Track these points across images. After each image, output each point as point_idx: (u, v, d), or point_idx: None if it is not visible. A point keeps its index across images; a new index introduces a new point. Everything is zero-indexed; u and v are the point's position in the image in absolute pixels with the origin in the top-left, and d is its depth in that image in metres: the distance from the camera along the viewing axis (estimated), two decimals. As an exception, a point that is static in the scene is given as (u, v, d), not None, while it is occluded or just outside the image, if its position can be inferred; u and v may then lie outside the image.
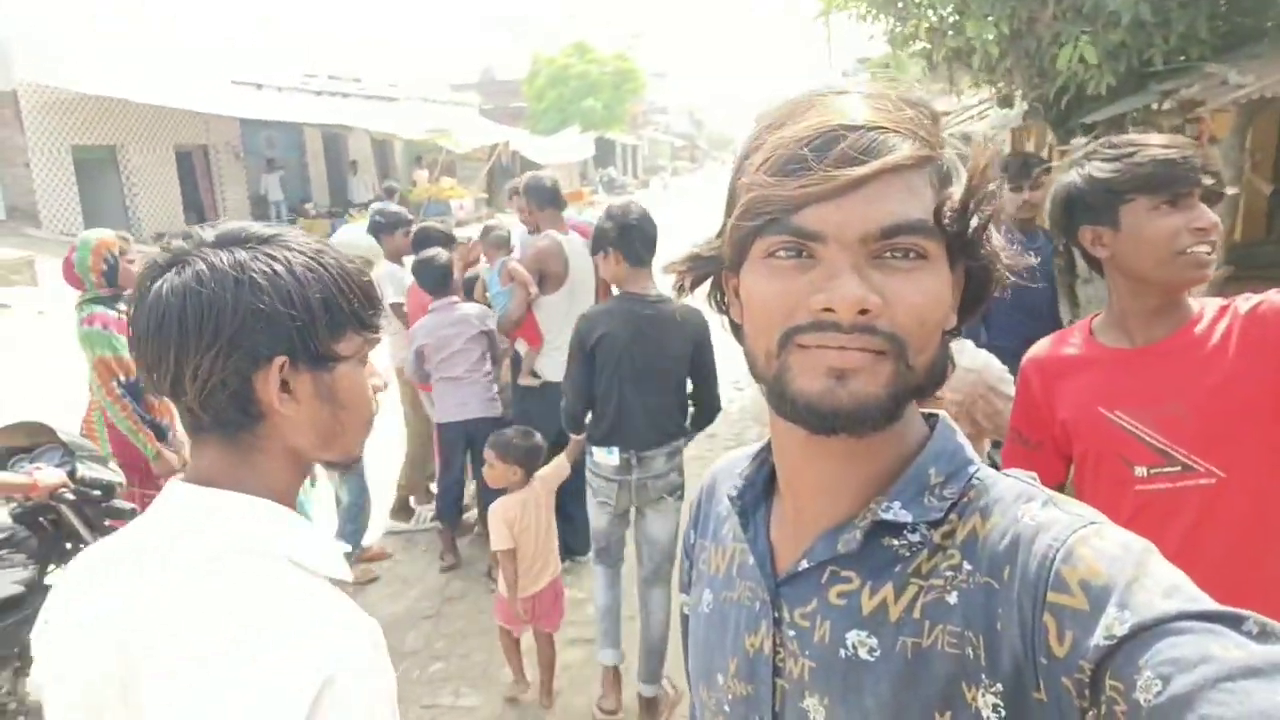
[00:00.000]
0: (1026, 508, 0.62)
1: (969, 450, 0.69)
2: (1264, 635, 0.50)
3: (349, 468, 0.82)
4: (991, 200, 0.64)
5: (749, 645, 0.72)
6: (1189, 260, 1.36)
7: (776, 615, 0.70)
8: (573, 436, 3.15)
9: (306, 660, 0.75)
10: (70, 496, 2.70)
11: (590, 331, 2.85)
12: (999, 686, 0.58)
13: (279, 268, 0.86)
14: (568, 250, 3.99)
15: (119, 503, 2.88)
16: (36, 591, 2.68)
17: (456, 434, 4.14)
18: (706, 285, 0.76)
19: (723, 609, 0.77)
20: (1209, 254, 1.36)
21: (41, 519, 2.71)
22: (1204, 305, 1.44)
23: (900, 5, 6.17)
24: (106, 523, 2.90)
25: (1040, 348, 1.60)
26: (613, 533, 3.07)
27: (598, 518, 3.05)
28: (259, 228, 0.91)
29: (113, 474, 2.89)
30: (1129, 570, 0.55)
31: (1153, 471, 1.41)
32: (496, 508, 3.05)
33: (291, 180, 19.50)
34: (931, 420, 0.71)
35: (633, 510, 3.02)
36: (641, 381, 2.84)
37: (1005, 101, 6.53)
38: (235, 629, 0.77)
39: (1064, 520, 0.60)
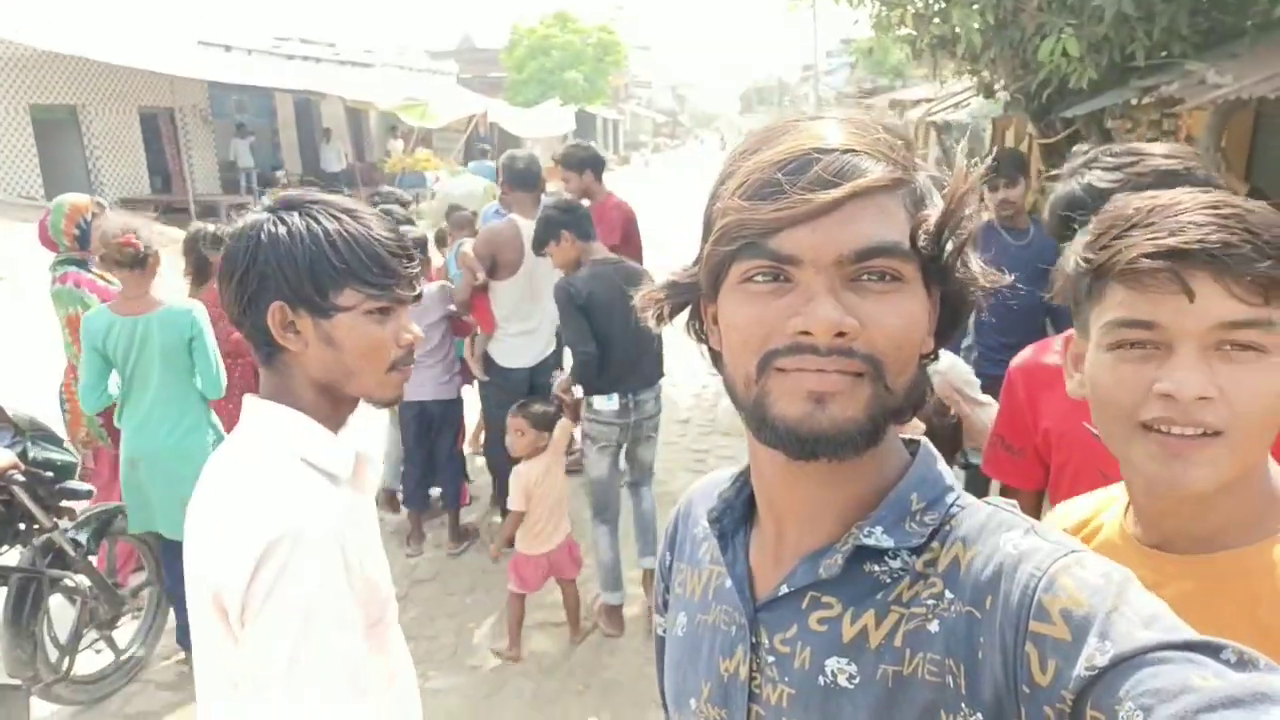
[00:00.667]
0: (1008, 536, 0.63)
1: (949, 478, 0.70)
2: (1242, 664, 0.51)
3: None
4: (968, 225, 0.64)
5: (724, 669, 0.72)
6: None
7: (754, 640, 0.70)
8: (567, 395, 3.50)
9: (261, 525, 1.00)
10: (20, 478, 2.66)
11: (579, 293, 3.21)
12: (978, 715, 0.59)
13: (283, 231, 1.08)
14: (524, 236, 3.87)
15: (73, 483, 2.86)
16: None
17: (411, 414, 4.14)
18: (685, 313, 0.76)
19: (697, 632, 0.77)
20: None
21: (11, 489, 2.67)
22: None
23: (884, -9, 6.09)
24: (62, 503, 2.87)
25: (1027, 355, 1.60)
26: (610, 486, 3.47)
27: (598, 465, 3.42)
28: (306, 195, 1.14)
29: (67, 454, 2.86)
30: (1109, 599, 0.55)
31: None
32: (521, 471, 3.30)
33: (262, 147, 19.03)
34: (913, 447, 0.72)
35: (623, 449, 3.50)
36: (628, 333, 3.17)
37: (987, 91, 6.47)
38: (226, 499, 1.06)
39: (1045, 549, 0.60)
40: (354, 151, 21.06)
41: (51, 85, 14.54)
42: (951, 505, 0.67)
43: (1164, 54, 4.78)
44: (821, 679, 0.65)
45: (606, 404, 3.32)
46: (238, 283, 1.10)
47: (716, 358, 0.71)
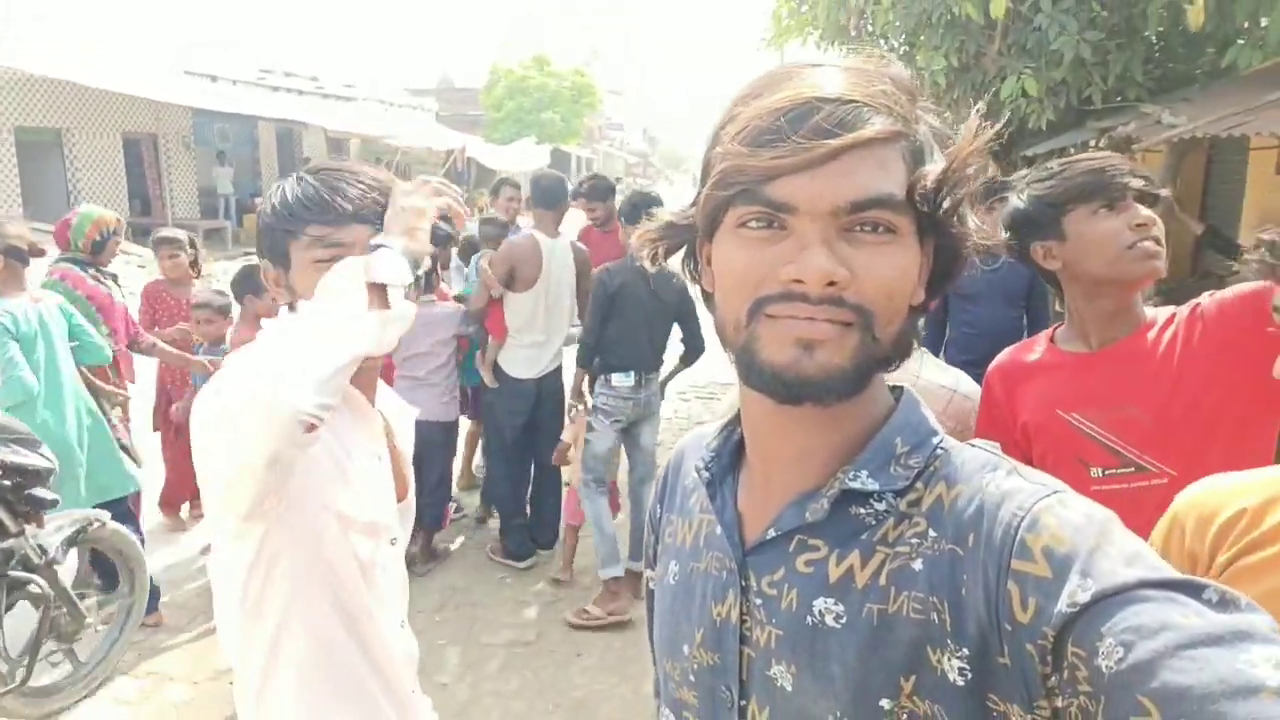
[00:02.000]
0: (992, 476, 0.63)
1: (933, 421, 0.71)
2: (1223, 604, 0.51)
3: None
4: (968, 183, 0.64)
5: (716, 614, 0.73)
6: (1137, 253, 1.41)
7: (744, 584, 0.71)
8: (573, 414, 3.96)
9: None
10: None
11: (612, 282, 3.71)
12: (965, 650, 0.59)
13: (281, 193, 1.19)
14: (545, 252, 4.06)
15: (41, 491, 2.78)
16: None
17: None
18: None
19: (689, 580, 0.78)
20: (1156, 246, 1.41)
21: None
22: (1156, 313, 1.51)
23: (853, 34, 6.43)
24: (40, 510, 2.78)
25: (1004, 356, 1.66)
26: (609, 458, 3.89)
27: (603, 440, 3.85)
28: (320, 164, 1.24)
29: (43, 459, 2.80)
30: (1092, 538, 0.56)
31: (1108, 472, 1.44)
32: (569, 430, 4.04)
33: (243, 175, 19.12)
34: (896, 392, 0.73)
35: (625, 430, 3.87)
36: (648, 320, 3.73)
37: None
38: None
39: (1028, 489, 0.61)
40: (333, 182, 21.13)
41: (38, 108, 14.62)
42: (936, 448, 0.68)
43: (1119, 99, 5.14)
44: (809, 619, 0.66)
45: (624, 380, 3.76)
46: (257, 249, 1.26)
47: (709, 299, 0.72)
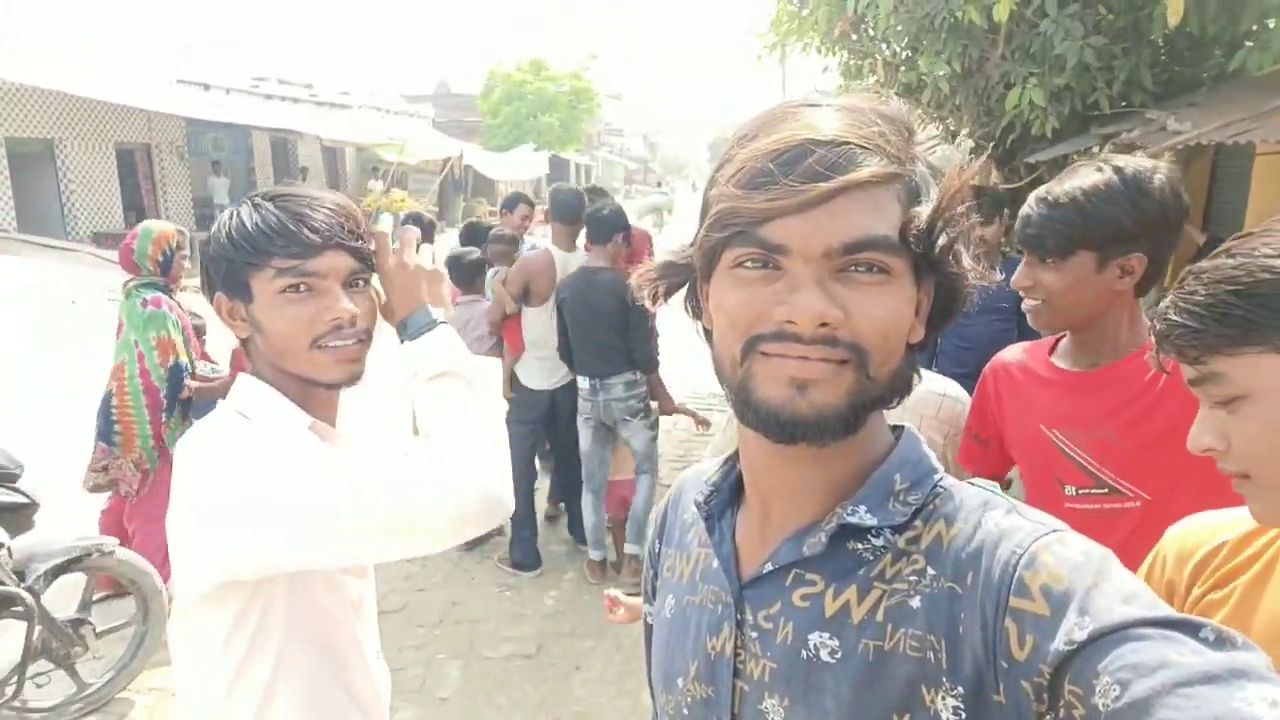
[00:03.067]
0: (991, 514, 0.64)
1: (933, 460, 0.71)
2: (1220, 642, 0.52)
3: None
4: (960, 222, 0.65)
5: (710, 648, 0.73)
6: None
7: (739, 617, 0.71)
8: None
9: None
10: None
11: (559, 294, 3.99)
12: (960, 689, 0.59)
13: (235, 219, 1.12)
14: (560, 266, 4.11)
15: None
16: None
17: None
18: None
19: (685, 613, 0.78)
20: (1031, 302, 1.48)
21: None
22: (1147, 343, 1.47)
23: (854, 39, 6.33)
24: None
25: (1006, 356, 1.66)
26: (595, 454, 4.15)
27: (584, 438, 4.14)
28: (273, 189, 1.17)
29: (15, 494, 2.82)
30: (1090, 576, 0.56)
31: (1081, 492, 1.45)
32: None
33: (238, 184, 19.02)
34: (897, 431, 0.73)
35: (608, 428, 4.13)
36: (591, 329, 3.91)
37: (951, 138, 6.73)
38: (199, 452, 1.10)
39: (1027, 527, 0.61)
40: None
41: (29, 119, 14.49)
42: (935, 485, 0.68)
43: (1124, 104, 5.02)
44: (804, 653, 0.66)
45: (583, 383, 4.05)
46: (200, 279, 1.19)
47: (709, 336, 0.73)
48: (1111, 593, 0.55)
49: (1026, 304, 1.48)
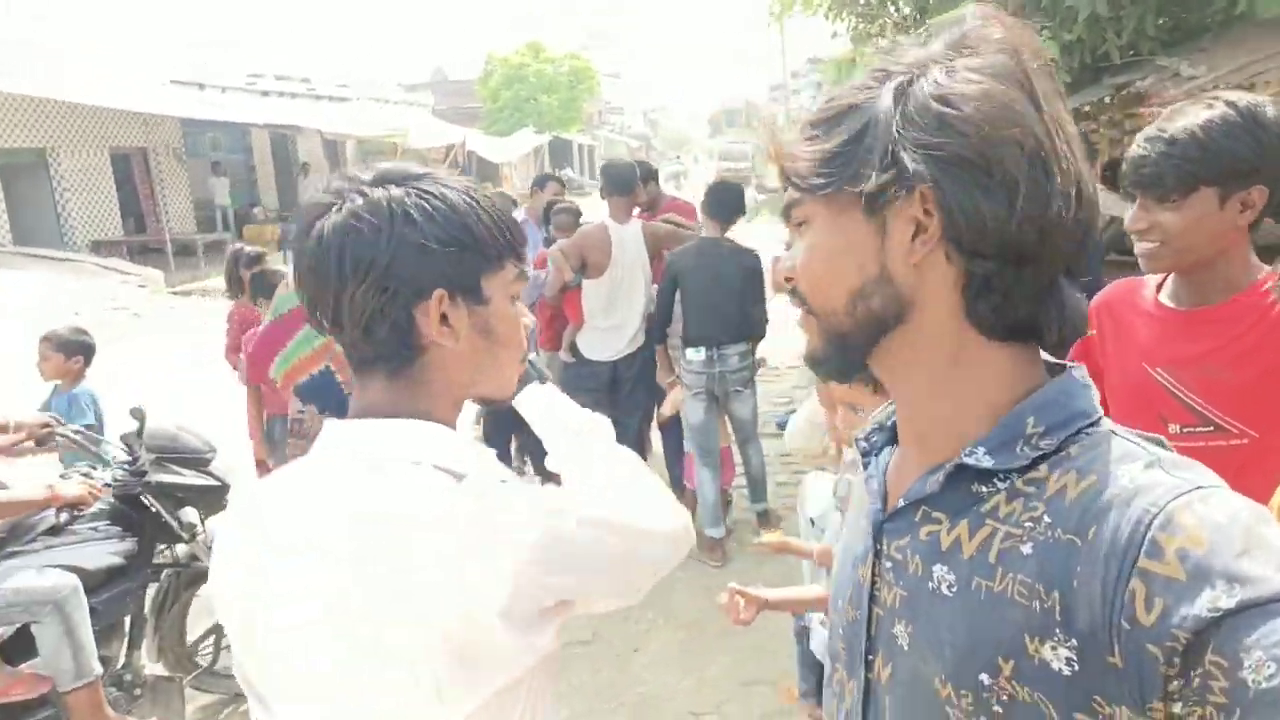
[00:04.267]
0: (1127, 469, 0.61)
1: (1088, 403, 0.67)
2: None
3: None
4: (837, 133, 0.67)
5: (860, 574, 0.77)
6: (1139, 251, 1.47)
7: (878, 548, 0.75)
8: (666, 387, 4.21)
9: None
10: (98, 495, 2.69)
11: (676, 263, 4.00)
12: (1074, 642, 0.58)
13: (436, 203, 0.88)
14: (614, 239, 4.16)
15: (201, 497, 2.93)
16: (139, 564, 2.74)
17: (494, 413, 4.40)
18: None
19: (849, 543, 0.84)
20: (1147, 245, 1.44)
21: (143, 498, 2.77)
22: (1269, 274, 1.44)
23: (863, 3, 6.18)
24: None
25: (1115, 291, 1.63)
26: (707, 431, 4.06)
27: (693, 412, 4.03)
28: (413, 166, 0.92)
29: (205, 477, 2.94)
30: (1237, 541, 0.53)
31: (1185, 430, 1.44)
32: (668, 402, 4.29)
33: (238, 183, 18.98)
34: (1059, 371, 0.70)
35: (719, 401, 4.09)
36: (713, 298, 3.91)
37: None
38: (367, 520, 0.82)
39: (1166, 484, 0.58)
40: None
41: (19, 128, 14.41)
42: (1080, 431, 0.65)
43: (1132, 53, 4.86)
44: (930, 584, 0.68)
45: (696, 355, 3.96)
46: (375, 277, 0.84)
47: None
48: (1264, 559, 0.52)
49: (1141, 247, 1.44)
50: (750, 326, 4.03)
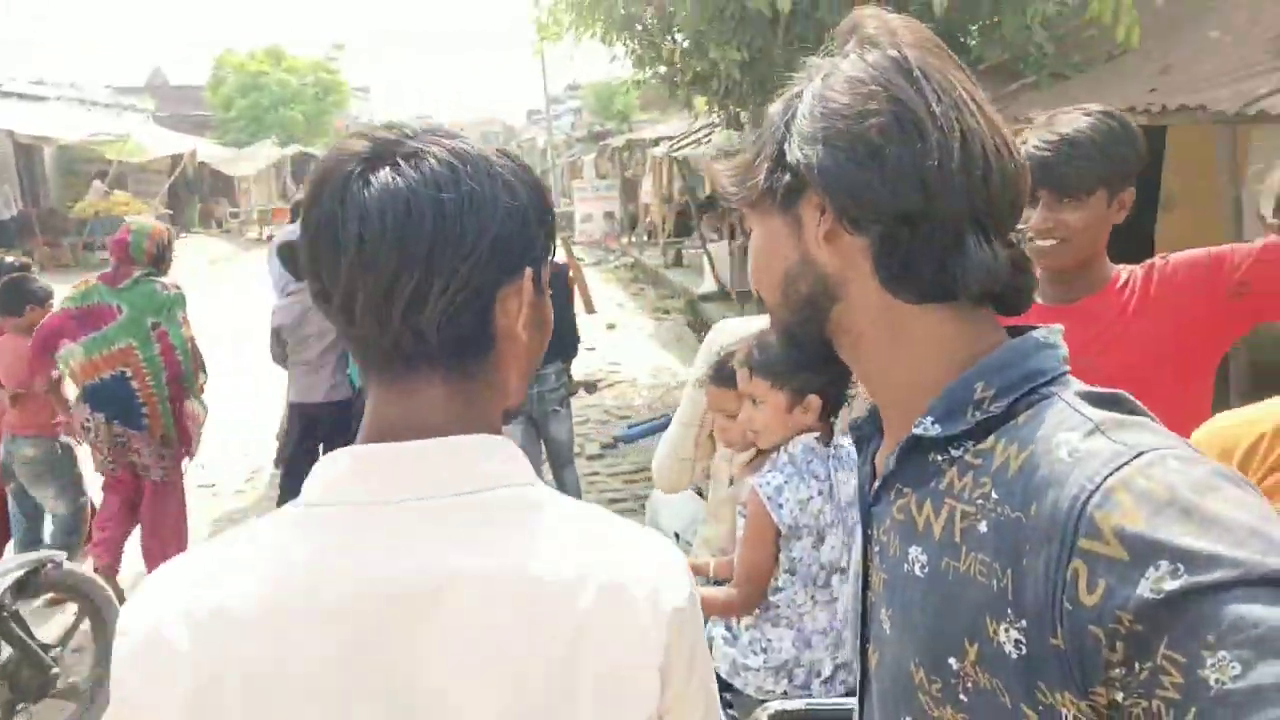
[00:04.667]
0: (1067, 437, 0.58)
1: (1042, 363, 0.65)
2: None
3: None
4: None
5: (858, 564, 0.79)
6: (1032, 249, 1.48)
7: (867, 533, 0.75)
8: None
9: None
10: None
11: None
12: (1023, 623, 0.57)
13: (516, 166, 0.71)
14: None
15: None
16: None
17: (303, 416, 4.24)
18: None
19: (853, 532, 0.90)
20: (1042, 244, 1.48)
21: None
22: (1130, 270, 1.57)
23: (640, 28, 6.38)
24: None
25: None
26: (528, 447, 3.93)
27: (514, 433, 3.79)
28: (437, 126, 0.73)
29: None
30: (1177, 515, 0.50)
31: None
32: None
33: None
34: (1017, 334, 0.69)
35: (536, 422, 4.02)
36: None
37: (734, 123, 6.99)
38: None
39: (1105, 454, 0.55)
40: (27, 196, 18.02)
41: None
42: (1030, 393, 0.63)
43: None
44: (905, 566, 0.67)
45: None
46: (482, 252, 0.66)
47: None
48: (1211, 534, 0.49)
49: (1041, 245, 1.47)
50: (563, 346, 3.98)
